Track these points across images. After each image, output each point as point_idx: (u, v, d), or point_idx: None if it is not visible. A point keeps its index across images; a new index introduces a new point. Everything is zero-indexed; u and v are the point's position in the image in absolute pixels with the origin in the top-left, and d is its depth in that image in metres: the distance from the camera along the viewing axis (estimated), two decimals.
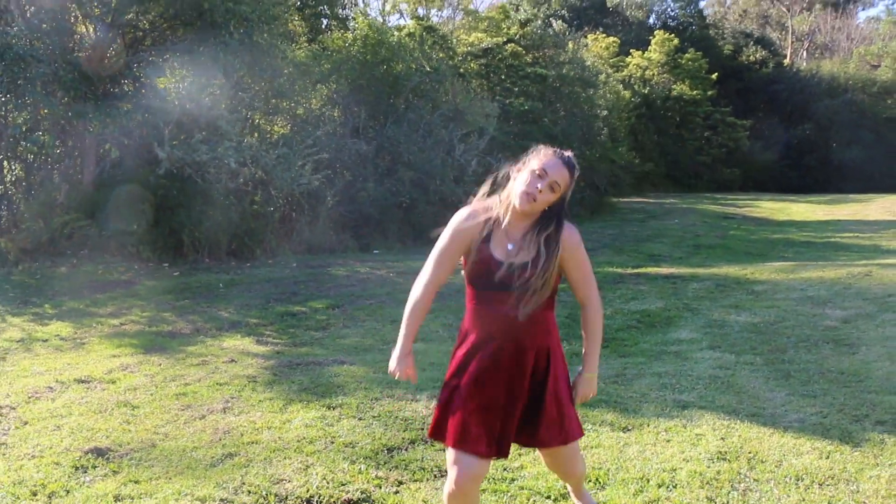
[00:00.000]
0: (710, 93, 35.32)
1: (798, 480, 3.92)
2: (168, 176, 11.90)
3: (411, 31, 19.52)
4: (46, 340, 7.25)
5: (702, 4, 45.53)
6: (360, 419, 4.90)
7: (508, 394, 2.95)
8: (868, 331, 7.13)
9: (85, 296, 9.36)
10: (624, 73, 33.65)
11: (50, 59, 11.30)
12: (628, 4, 41.76)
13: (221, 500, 3.75)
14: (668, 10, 43.16)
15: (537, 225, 2.95)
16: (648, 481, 3.93)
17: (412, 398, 5.30)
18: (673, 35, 35.89)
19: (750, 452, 4.29)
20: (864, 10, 66.23)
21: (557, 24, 26.39)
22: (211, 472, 4.10)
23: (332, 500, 3.77)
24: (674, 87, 35.16)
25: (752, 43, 41.76)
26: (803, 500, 3.72)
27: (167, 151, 11.62)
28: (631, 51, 35.12)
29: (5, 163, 12.42)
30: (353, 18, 18.87)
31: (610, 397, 5.32)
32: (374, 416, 4.94)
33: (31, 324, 7.91)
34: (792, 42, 49.47)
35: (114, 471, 4.11)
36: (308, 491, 3.84)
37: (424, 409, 5.07)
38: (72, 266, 10.96)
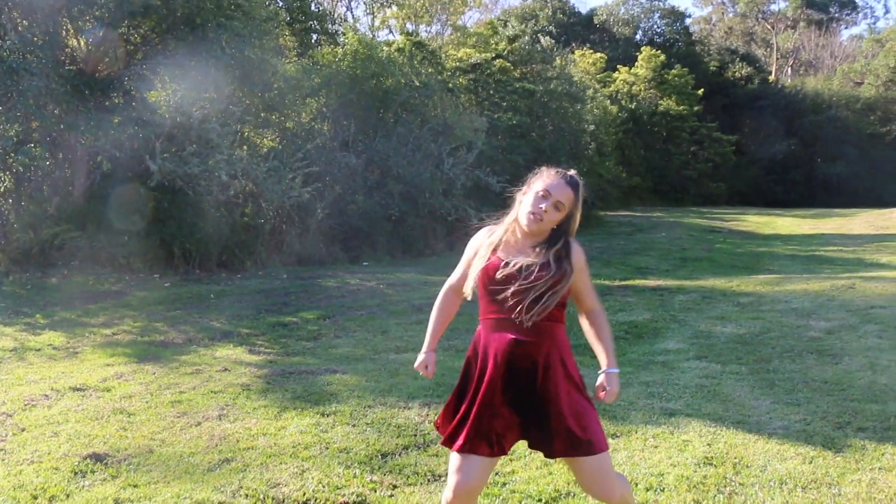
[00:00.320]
0: (696, 108, 35.72)
1: (782, 484, 4.03)
2: (159, 188, 11.97)
3: (400, 46, 19.68)
4: (39, 350, 7.29)
5: (688, 21, 46.05)
6: (353, 426, 4.98)
7: (514, 400, 2.99)
8: (851, 341, 7.27)
9: (76, 306, 9.40)
10: (611, 89, 34.00)
11: (42, 72, 11.35)
12: (615, 21, 42.21)
13: (220, 503, 3.82)
14: (655, 26, 43.68)
15: (546, 242, 3.04)
16: (637, 485, 4.03)
17: (404, 406, 5.38)
18: (659, 51, 36.31)
19: (735, 458, 4.40)
20: (847, 28, 67.06)
21: (545, 40, 26.63)
22: (208, 476, 4.17)
23: (328, 503, 3.84)
24: (660, 102, 35.53)
25: (737, 59, 42.32)
26: (787, 502, 3.83)
27: (159, 164, 11.69)
28: (618, 66, 35.52)
29: None
30: (343, 33, 19.01)
31: (598, 405, 5.35)
32: (367, 423, 5.02)
33: (23, 333, 7.94)
34: (777, 59, 50.07)
35: (112, 475, 4.17)
36: (304, 494, 3.92)
37: (416, 416, 5.15)
38: (62, 277, 10.99)
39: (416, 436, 4.78)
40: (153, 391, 5.81)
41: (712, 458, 4.39)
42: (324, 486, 4.01)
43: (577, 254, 3.07)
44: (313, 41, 18.93)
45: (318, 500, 3.86)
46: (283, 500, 3.86)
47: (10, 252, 11.48)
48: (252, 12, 13.40)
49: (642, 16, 43.79)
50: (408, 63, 18.44)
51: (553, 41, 28.28)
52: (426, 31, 27.67)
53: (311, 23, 18.46)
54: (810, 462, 4.32)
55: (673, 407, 5.42)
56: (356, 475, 4.17)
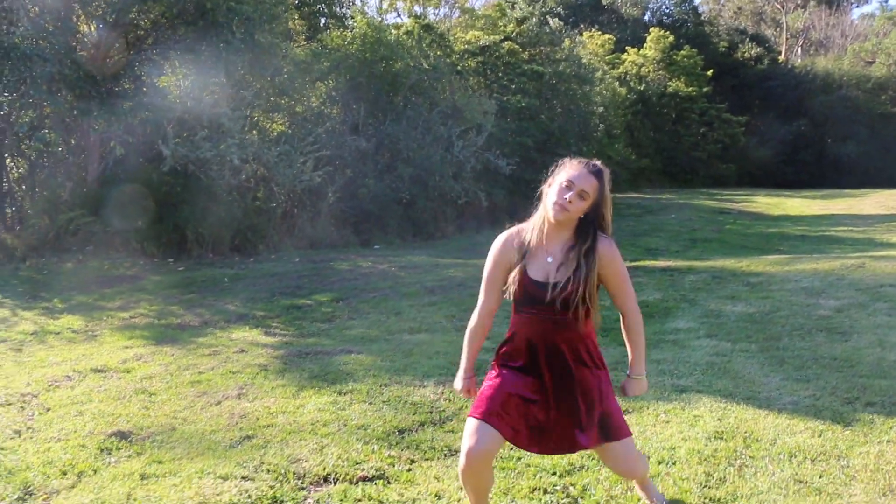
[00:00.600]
0: (705, 89, 35.56)
1: (791, 457, 4.11)
2: (172, 173, 12.08)
3: (409, 29, 19.67)
4: (59, 333, 7.43)
5: (696, 2, 45.77)
6: (370, 403, 5.08)
7: (539, 391, 3.12)
8: (860, 319, 7.31)
9: (93, 290, 9.53)
10: (620, 70, 33.86)
11: (55, 58, 11.45)
12: (623, 2, 41.95)
13: (242, 477, 3.93)
14: (663, 7, 43.38)
15: (576, 239, 3.14)
16: (649, 458, 4.11)
17: (420, 384, 5.48)
18: (668, 32, 36.12)
19: (746, 432, 4.48)
20: (858, 6, 66.61)
21: (553, 22, 26.50)
22: (230, 452, 4.28)
23: (347, 477, 3.94)
24: (669, 83, 35.38)
25: (747, 40, 41.99)
26: (796, 474, 3.91)
27: (171, 148, 11.79)
28: (626, 48, 35.34)
29: (10, 160, 12.58)
30: (352, 17, 19.02)
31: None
32: (383, 401, 5.12)
33: (42, 317, 8.08)
34: (787, 39, 49.70)
35: (137, 452, 4.29)
36: (325, 469, 4.02)
37: (432, 394, 5.25)
38: (78, 262, 11.13)
39: (431, 412, 4.88)
40: (172, 372, 5.93)
41: (723, 432, 4.47)
42: (343, 461, 4.11)
43: (607, 248, 3.16)
44: (322, 25, 18.94)
45: (337, 475, 3.96)
46: (304, 475, 3.97)
47: (26, 238, 11.63)
48: None
49: None
50: (416, 46, 18.46)
51: (561, 23, 28.14)
52: (434, 13, 27.56)
53: (320, 6, 18.45)
54: (819, 436, 4.39)
55: (684, 384, 5.50)
56: (374, 450, 4.27)
